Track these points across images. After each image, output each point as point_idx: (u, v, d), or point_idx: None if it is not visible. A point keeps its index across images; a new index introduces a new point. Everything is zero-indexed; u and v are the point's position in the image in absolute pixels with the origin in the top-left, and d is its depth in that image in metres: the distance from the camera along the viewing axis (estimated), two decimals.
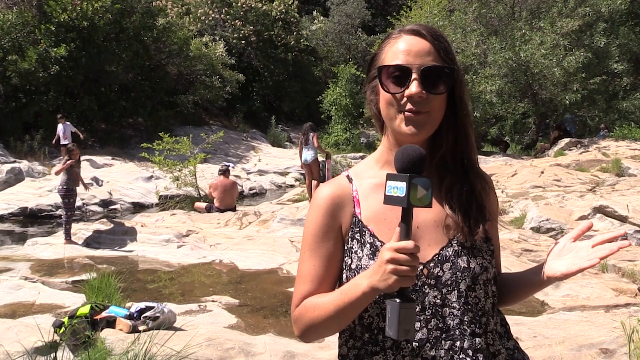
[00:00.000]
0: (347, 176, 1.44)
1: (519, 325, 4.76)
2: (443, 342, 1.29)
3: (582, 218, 8.74)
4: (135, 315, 4.90)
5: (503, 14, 21.48)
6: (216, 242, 9.15)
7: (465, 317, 1.30)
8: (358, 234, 1.35)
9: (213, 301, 6.14)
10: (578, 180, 12.38)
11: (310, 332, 1.37)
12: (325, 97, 27.70)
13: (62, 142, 16.87)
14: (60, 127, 17.13)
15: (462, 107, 1.36)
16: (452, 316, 1.30)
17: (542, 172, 13.13)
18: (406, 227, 1.19)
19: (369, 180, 1.41)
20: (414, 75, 1.29)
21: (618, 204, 8.70)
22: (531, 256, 7.06)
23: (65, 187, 9.48)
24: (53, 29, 19.65)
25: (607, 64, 20.82)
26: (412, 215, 1.19)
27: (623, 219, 8.37)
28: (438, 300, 1.30)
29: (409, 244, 1.15)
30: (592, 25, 20.62)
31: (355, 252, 1.34)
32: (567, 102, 19.70)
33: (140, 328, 4.74)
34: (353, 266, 1.34)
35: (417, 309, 1.28)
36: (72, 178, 9.53)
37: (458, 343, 1.29)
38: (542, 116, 23.54)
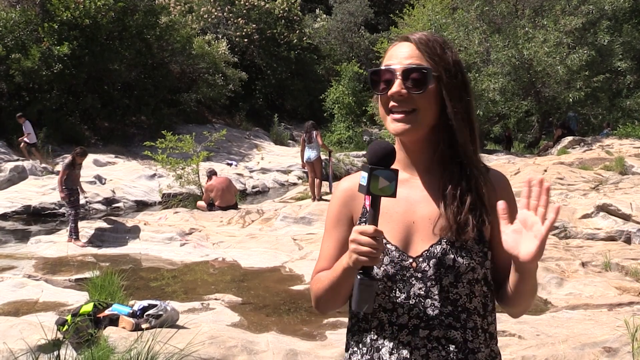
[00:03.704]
0: None
1: (522, 324, 4.76)
2: (421, 330, 1.40)
3: (585, 216, 8.73)
4: (138, 313, 4.91)
5: (506, 11, 21.42)
6: (219, 240, 9.16)
7: (445, 310, 1.40)
8: (364, 224, 1.45)
9: (216, 299, 6.15)
10: (581, 178, 12.34)
11: (318, 303, 1.54)
12: (328, 95, 27.68)
13: (26, 140, 16.88)
14: (23, 126, 17.03)
15: (452, 106, 1.42)
16: (433, 307, 1.40)
17: (546, 171, 13.10)
18: (372, 213, 1.34)
19: None
20: (397, 75, 1.40)
21: (621, 202, 8.69)
22: None
23: (64, 187, 9.50)
24: (56, 27, 19.65)
25: (610, 61, 20.77)
26: (379, 204, 1.34)
27: (626, 217, 8.36)
28: (422, 292, 1.40)
29: (368, 228, 1.31)
30: (595, 23, 20.56)
31: None
32: (571, 100, 19.66)
33: (143, 326, 4.74)
34: None
35: (377, 288, 1.40)
36: (71, 179, 9.55)
37: (435, 332, 1.39)
38: (545, 114, 23.49)
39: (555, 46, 19.23)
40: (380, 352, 1.43)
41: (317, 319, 5.53)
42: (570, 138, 19.67)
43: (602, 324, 4.76)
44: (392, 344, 1.41)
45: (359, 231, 1.31)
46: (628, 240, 8.03)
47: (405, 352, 1.40)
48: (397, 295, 1.41)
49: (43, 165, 16.82)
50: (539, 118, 24.12)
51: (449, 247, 1.39)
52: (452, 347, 1.39)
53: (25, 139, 16.91)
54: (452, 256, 1.38)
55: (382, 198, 1.33)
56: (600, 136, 20.26)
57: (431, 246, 1.41)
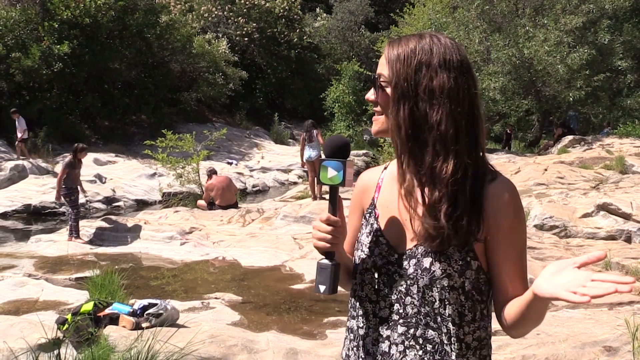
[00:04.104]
0: (385, 166, 1.62)
1: None
2: (399, 326, 1.42)
3: (585, 215, 8.73)
4: (138, 312, 4.91)
5: (506, 10, 21.39)
6: (219, 239, 9.16)
7: (423, 309, 1.41)
8: (368, 215, 1.54)
9: (216, 298, 6.15)
10: (582, 177, 12.35)
11: None
12: (328, 94, 27.67)
13: (19, 136, 16.78)
14: (16, 122, 16.89)
15: (392, 112, 1.43)
16: (412, 305, 1.41)
17: (546, 170, 13.10)
18: (330, 203, 1.45)
19: (392, 170, 1.56)
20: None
21: (622, 202, 8.69)
22: (535, 254, 7.05)
23: (64, 186, 9.50)
24: (56, 26, 19.65)
25: (611, 61, 20.74)
26: (336, 193, 1.45)
27: (627, 217, 8.36)
28: (403, 289, 1.42)
29: (322, 216, 1.44)
30: (596, 22, 20.53)
31: (362, 228, 1.55)
32: (571, 99, 19.63)
33: (144, 325, 4.74)
34: (359, 239, 1.56)
35: (330, 272, 1.44)
36: (71, 178, 9.56)
37: (412, 330, 1.41)
38: (545, 113, 23.48)
39: (556, 45, 19.21)
40: (365, 341, 1.48)
41: (317, 318, 5.53)
42: (570, 137, 19.65)
43: (603, 323, 4.76)
44: (375, 334, 1.46)
45: (320, 219, 1.44)
46: (628, 240, 8.03)
47: (384, 346, 1.44)
48: (381, 288, 1.45)
49: (30, 160, 16.62)
50: (539, 117, 24.10)
51: (429, 249, 1.39)
52: (429, 347, 1.40)
53: (19, 134, 16.78)
54: (430, 259, 1.39)
55: (387, 193, 1.40)
56: (600, 135, 20.25)
57: (414, 246, 1.42)
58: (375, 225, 1.50)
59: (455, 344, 1.39)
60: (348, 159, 1.47)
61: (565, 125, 22.09)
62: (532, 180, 12.20)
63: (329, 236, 1.43)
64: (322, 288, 1.44)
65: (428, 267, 1.38)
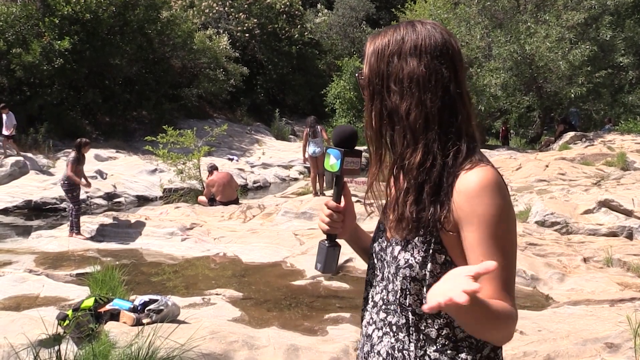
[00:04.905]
0: None
1: (524, 319, 4.75)
2: (381, 312, 1.45)
3: (587, 212, 8.71)
4: (139, 308, 4.90)
5: (508, 6, 21.36)
6: (220, 235, 9.15)
7: (394, 296, 1.41)
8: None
9: (217, 294, 6.15)
10: (583, 174, 12.34)
11: None
12: (329, 90, 27.65)
13: (4, 132, 16.24)
14: (4, 117, 16.35)
15: (367, 106, 1.44)
16: (393, 292, 1.41)
17: (547, 166, 13.09)
18: (335, 190, 1.53)
19: None
20: None
21: (623, 198, 8.67)
22: (536, 250, 7.04)
23: (67, 181, 9.50)
24: (57, 21, 19.62)
25: (612, 57, 20.70)
26: (341, 180, 1.52)
27: (628, 213, 8.34)
28: (385, 276, 1.44)
29: (329, 203, 1.52)
30: (597, 18, 20.49)
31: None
32: (572, 95, 19.61)
33: (144, 321, 4.74)
34: None
35: (325, 252, 1.53)
36: (74, 173, 9.55)
37: (389, 317, 1.42)
38: (547, 110, 23.45)
39: (557, 41, 19.18)
40: (363, 322, 1.54)
41: (318, 314, 5.53)
42: (572, 133, 19.64)
43: (604, 319, 4.75)
44: (368, 317, 1.50)
45: (324, 203, 1.53)
46: (630, 236, 8.01)
47: (370, 330, 1.48)
48: (376, 273, 1.49)
49: (8, 156, 16.33)
50: (540, 113, 24.08)
51: (400, 239, 1.40)
52: (400, 335, 1.39)
53: (5, 132, 16.27)
54: (399, 247, 1.39)
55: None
56: (602, 132, 20.21)
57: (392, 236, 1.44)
58: (380, 213, 1.55)
59: (414, 334, 1.37)
60: (355, 149, 1.51)
61: (566, 121, 22.06)
62: (534, 176, 12.19)
63: (327, 219, 1.51)
64: (318, 265, 1.55)
65: (396, 255, 1.39)
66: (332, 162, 1.49)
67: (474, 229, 1.29)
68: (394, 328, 1.40)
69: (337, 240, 1.55)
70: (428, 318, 1.36)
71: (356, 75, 1.48)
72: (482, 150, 1.43)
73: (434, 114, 1.34)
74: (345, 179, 1.54)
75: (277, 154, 22.16)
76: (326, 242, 1.53)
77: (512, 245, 1.32)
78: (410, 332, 1.37)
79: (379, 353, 1.43)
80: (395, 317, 1.40)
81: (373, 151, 1.44)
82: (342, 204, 1.54)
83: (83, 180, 9.70)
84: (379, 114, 1.40)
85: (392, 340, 1.40)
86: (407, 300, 1.37)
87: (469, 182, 1.31)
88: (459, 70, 1.38)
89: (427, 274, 1.34)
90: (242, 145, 23.27)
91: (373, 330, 1.46)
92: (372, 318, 1.48)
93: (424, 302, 1.33)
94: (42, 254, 8.23)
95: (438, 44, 1.36)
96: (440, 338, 1.36)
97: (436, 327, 1.36)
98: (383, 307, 1.44)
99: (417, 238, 1.35)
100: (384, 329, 1.43)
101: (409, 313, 1.37)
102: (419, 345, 1.36)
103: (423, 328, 1.36)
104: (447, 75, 1.35)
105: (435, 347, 1.35)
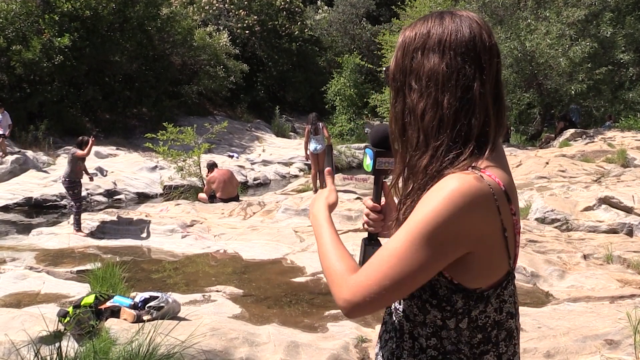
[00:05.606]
0: None
1: (523, 316, 4.75)
2: (393, 315, 1.43)
3: (587, 209, 8.71)
4: (139, 305, 4.91)
5: (508, 3, 21.33)
6: (220, 232, 9.16)
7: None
8: None
9: (217, 291, 6.15)
10: (583, 171, 12.34)
11: None
12: (329, 87, 27.62)
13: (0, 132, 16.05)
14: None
15: (392, 104, 1.39)
16: None
17: (547, 163, 13.09)
18: (375, 189, 1.53)
19: None
20: None
21: (623, 195, 8.67)
22: (536, 247, 7.04)
23: (67, 179, 9.51)
24: (57, 18, 19.59)
25: (613, 54, 20.68)
26: (380, 180, 1.51)
27: (628, 210, 8.34)
28: None
29: (366, 202, 1.53)
30: (598, 14, 20.46)
31: None
32: (573, 92, 19.59)
33: (145, 318, 4.75)
34: None
35: (367, 251, 1.50)
36: (75, 171, 9.56)
37: (395, 321, 1.42)
38: (547, 107, 23.43)
39: (558, 38, 19.15)
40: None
41: (319, 311, 5.53)
42: (572, 130, 19.62)
43: (604, 316, 4.76)
44: (384, 317, 1.50)
45: (363, 202, 1.56)
46: (630, 233, 8.02)
47: (381, 330, 1.48)
48: None
49: (8, 153, 16.17)
50: (540, 110, 24.04)
51: None
52: (399, 342, 1.39)
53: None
54: None
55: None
56: (602, 128, 20.21)
57: None
58: None
59: (409, 341, 1.35)
60: (389, 149, 1.45)
61: (566, 118, 22.04)
62: (534, 173, 12.19)
63: (371, 221, 1.52)
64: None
65: None
66: (367, 161, 1.50)
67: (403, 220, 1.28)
68: (398, 334, 1.39)
69: (378, 238, 1.53)
70: (418, 327, 1.32)
71: (384, 69, 1.42)
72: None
73: (449, 117, 1.26)
74: (382, 179, 1.51)
75: (277, 151, 22.16)
76: (364, 239, 1.54)
77: (418, 256, 1.20)
78: (405, 339, 1.35)
79: (383, 356, 1.44)
80: (397, 322, 1.40)
81: (397, 149, 1.37)
82: (382, 202, 1.54)
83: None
84: (401, 111, 1.33)
85: (394, 346, 1.39)
86: (401, 306, 1.37)
87: (435, 186, 1.24)
88: (486, 68, 1.27)
89: None
90: (242, 142, 23.26)
91: (383, 332, 1.46)
92: (384, 319, 1.47)
93: (415, 310, 1.32)
94: (42, 251, 8.23)
95: (464, 40, 1.26)
96: (429, 349, 1.31)
97: (424, 336, 1.32)
98: (393, 310, 1.43)
99: None
100: (390, 332, 1.42)
101: (403, 319, 1.36)
102: (412, 353, 1.34)
103: (417, 336, 1.33)
104: (470, 74, 1.26)
105: (426, 358, 1.32)
